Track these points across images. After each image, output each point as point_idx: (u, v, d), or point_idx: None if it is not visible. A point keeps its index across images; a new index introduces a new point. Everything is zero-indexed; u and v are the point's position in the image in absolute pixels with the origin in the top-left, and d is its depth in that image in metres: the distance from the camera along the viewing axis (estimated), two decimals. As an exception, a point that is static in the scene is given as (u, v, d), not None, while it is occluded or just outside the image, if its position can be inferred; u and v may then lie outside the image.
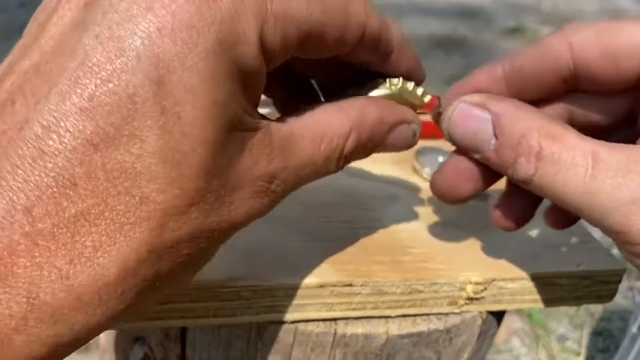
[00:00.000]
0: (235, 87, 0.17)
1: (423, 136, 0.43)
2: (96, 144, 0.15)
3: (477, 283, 0.28)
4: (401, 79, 0.24)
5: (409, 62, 0.24)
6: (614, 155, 0.20)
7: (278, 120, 0.20)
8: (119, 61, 0.15)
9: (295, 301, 0.26)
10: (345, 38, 0.20)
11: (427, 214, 0.32)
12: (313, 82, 0.27)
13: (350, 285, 0.26)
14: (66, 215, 0.15)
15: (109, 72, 0.15)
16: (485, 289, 0.28)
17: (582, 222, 0.26)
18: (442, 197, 0.26)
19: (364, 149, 0.23)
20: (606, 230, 0.21)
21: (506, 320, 1.18)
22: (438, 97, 0.25)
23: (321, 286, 0.26)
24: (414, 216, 0.32)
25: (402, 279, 0.27)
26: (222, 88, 0.16)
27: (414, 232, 0.30)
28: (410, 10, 2.95)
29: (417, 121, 0.24)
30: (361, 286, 0.26)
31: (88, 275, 0.15)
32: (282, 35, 0.18)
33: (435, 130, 0.42)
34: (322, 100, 0.26)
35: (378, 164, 0.35)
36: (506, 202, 0.26)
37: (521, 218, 0.26)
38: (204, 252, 0.18)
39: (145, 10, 0.15)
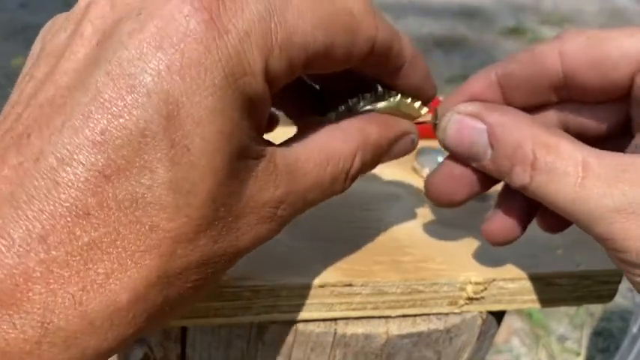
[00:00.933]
0: (241, 116, 0.17)
1: (423, 137, 0.43)
2: (108, 175, 0.15)
3: (477, 283, 0.28)
4: (399, 93, 0.24)
5: (420, 77, 0.24)
6: (602, 164, 0.21)
7: (283, 145, 0.21)
8: (130, 97, 0.15)
9: (296, 301, 0.26)
10: (353, 53, 0.20)
11: (427, 214, 0.32)
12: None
13: (350, 285, 0.26)
14: (79, 244, 0.15)
15: (120, 107, 0.15)
16: (485, 289, 0.28)
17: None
18: (436, 201, 0.26)
19: (368, 166, 0.23)
20: (595, 237, 0.21)
21: (506, 320, 1.18)
22: (435, 110, 0.26)
23: (322, 286, 0.26)
24: (414, 216, 0.32)
25: (402, 279, 0.27)
26: (229, 119, 0.17)
27: (414, 232, 0.30)
28: (410, 10, 2.94)
29: (415, 130, 0.25)
30: (361, 286, 0.26)
31: (100, 301, 0.15)
32: (288, 62, 0.18)
33: (433, 130, 0.42)
34: (324, 102, 0.26)
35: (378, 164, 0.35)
36: (497, 219, 0.26)
37: (511, 235, 0.26)
38: (211, 277, 0.18)
39: (154, 48, 0.16)
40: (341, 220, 0.30)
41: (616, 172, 0.20)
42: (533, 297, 0.29)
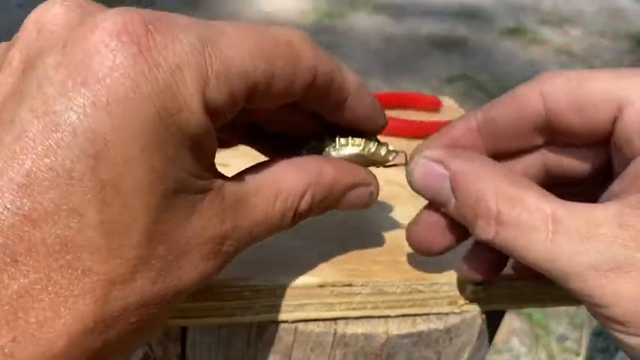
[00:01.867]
0: (179, 152, 0.17)
1: (421, 137, 0.43)
2: (34, 220, 0.15)
3: (477, 284, 0.28)
4: (363, 139, 0.24)
5: (366, 108, 0.23)
6: (573, 218, 0.20)
7: (234, 177, 0.20)
8: (55, 136, 0.15)
9: (295, 301, 0.26)
10: (294, 85, 0.20)
11: (427, 214, 0.32)
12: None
13: (350, 285, 0.26)
14: (8, 292, 0.15)
15: (45, 147, 0.15)
16: (486, 289, 0.28)
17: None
18: (417, 251, 0.26)
19: (319, 208, 0.23)
20: (571, 292, 0.20)
21: (506, 320, 1.18)
22: (405, 153, 0.25)
23: (321, 285, 0.26)
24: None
25: (402, 279, 0.27)
26: (163, 157, 0.16)
27: (413, 232, 0.30)
28: (409, 10, 2.95)
29: (375, 183, 0.24)
30: (361, 285, 0.26)
31: (33, 351, 0.15)
32: (227, 93, 0.18)
33: (433, 130, 0.42)
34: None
35: (378, 164, 0.35)
36: (475, 256, 0.25)
37: (493, 269, 0.25)
38: (154, 318, 0.18)
39: (79, 84, 0.15)
40: (341, 219, 0.30)
41: (589, 226, 0.19)
42: (534, 297, 0.29)
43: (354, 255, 0.28)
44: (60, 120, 0.15)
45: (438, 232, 0.24)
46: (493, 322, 0.31)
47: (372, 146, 0.24)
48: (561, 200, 0.20)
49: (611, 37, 2.82)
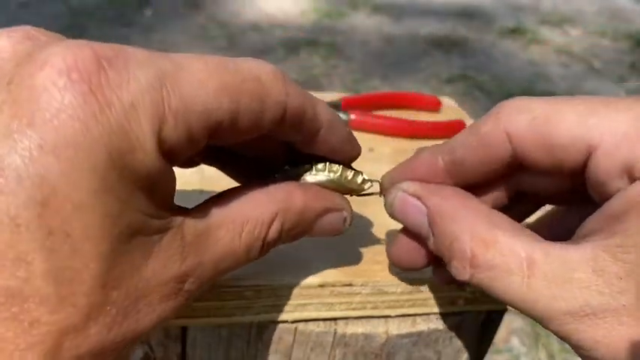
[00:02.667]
0: (133, 194, 0.16)
1: (421, 137, 0.43)
2: None
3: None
4: (341, 166, 0.24)
5: (339, 139, 0.23)
6: (548, 262, 0.19)
7: (196, 211, 0.19)
8: None
9: (296, 301, 0.26)
10: (263, 120, 0.19)
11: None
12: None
13: (350, 285, 0.26)
14: None
15: None
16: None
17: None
18: (400, 268, 0.26)
19: (289, 236, 0.22)
20: (552, 332, 0.20)
21: (506, 320, 1.19)
22: (379, 182, 0.25)
23: (322, 285, 0.26)
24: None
25: (402, 279, 0.27)
26: (115, 199, 0.15)
27: (413, 232, 0.30)
28: (409, 10, 2.95)
29: (348, 208, 0.24)
30: (361, 285, 0.26)
31: None
32: (186, 131, 0.17)
33: (433, 130, 0.42)
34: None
35: (377, 164, 0.35)
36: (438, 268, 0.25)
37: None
38: None
39: (25, 125, 0.14)
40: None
41: (565, 270, 0.19)
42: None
43: (354, 254, 0.28)
44: (3, 164, 0.14)
45: (418, 253, 0.24)
46: (493, 322, 0.31)
47: (349, 173, 0.24)
48: (536, 239, 0.20)
49: (611, 37, 2.82)
